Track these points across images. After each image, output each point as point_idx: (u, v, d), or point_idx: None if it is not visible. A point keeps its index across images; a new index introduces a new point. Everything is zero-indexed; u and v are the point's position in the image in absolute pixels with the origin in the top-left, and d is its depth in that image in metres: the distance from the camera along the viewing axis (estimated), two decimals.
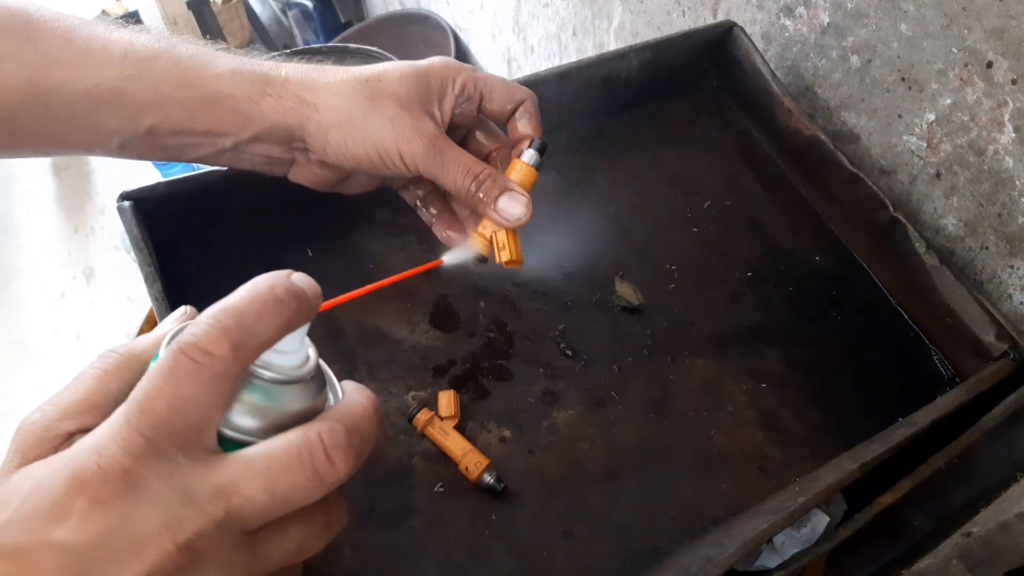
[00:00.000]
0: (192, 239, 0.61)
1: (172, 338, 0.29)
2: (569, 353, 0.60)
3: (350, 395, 0.32)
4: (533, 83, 0.68)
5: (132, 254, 0.53)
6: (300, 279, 0.30)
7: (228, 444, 0.28)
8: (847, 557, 0.62)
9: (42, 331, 1.90)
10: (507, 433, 0.56)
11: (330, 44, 1.50)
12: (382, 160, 0.49)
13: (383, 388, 0.57)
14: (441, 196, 0.58)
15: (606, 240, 0.67)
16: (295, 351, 0.30)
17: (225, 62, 0.48)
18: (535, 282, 0.64)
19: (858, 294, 0.66)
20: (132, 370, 0.30)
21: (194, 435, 0.27)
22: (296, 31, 2.34)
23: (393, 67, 0.50)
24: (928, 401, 0.54)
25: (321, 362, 0.32)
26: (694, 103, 0.78)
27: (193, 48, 0.48)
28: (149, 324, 0.72)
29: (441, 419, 0.55)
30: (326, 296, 0.32)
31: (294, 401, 0.30)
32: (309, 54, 1.47)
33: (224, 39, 1.99)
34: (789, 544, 0.52)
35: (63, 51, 0.45)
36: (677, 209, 0.70)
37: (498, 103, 0.53)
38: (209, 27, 1.94)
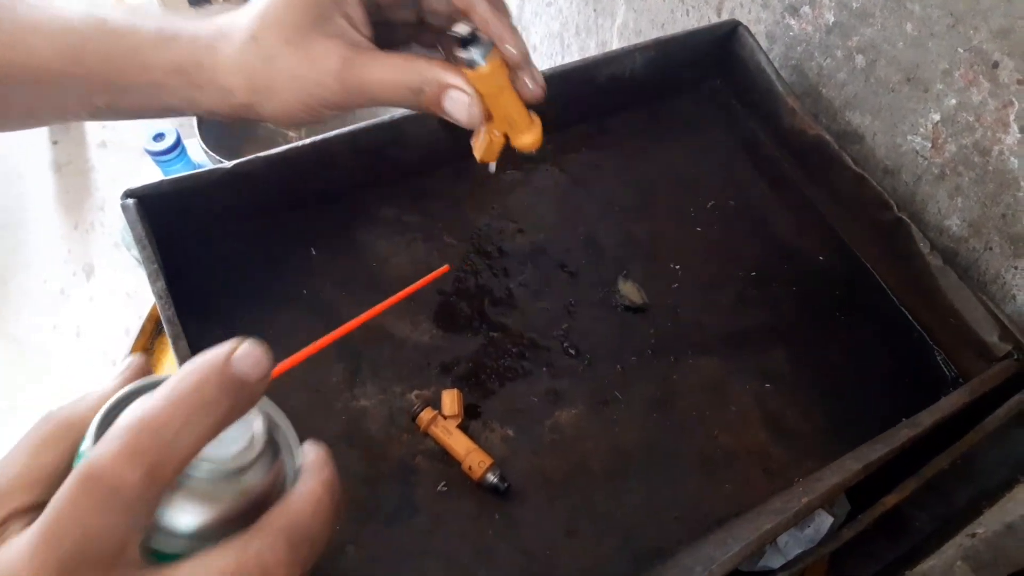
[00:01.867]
0: (196, 237, 0.61)
1: (107, 416, 0.26)
2: (572, 352, 0.60)
3: (302, 483, 0.27)
4: None
5: (133, 251, 0.53)
6: (242, 359, 0.26)
7: (160, 554, 0.25)
8: (849, 557, 0.62)
9: (42, 327, 1.89)
10: (510, 432, 0.56)
11: None
12: (310, 116, 0.41)
13: (387, 387, 0.57)
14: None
15: (610, 239, 0.67)
16: (235, 437, 0.26)
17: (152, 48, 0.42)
18: (538, 281, 0.64)
19: (862, 294, 0.66)
20: (69, 439, 0.27)
21: (112, 558, 0.23)
22: None
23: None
24: (932, 402, 0.54)
25: (274, 420, 0.28)
26: (698, 102, 0.78)
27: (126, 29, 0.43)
28: (152, 321, 0.72)
29: (444, 418, 0.54)
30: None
31: (237, 493, 0.26)
32: None
33: None
34: (793, 544, 0.52)
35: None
36: (681, 208, 0.70)
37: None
38: None
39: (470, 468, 0.52)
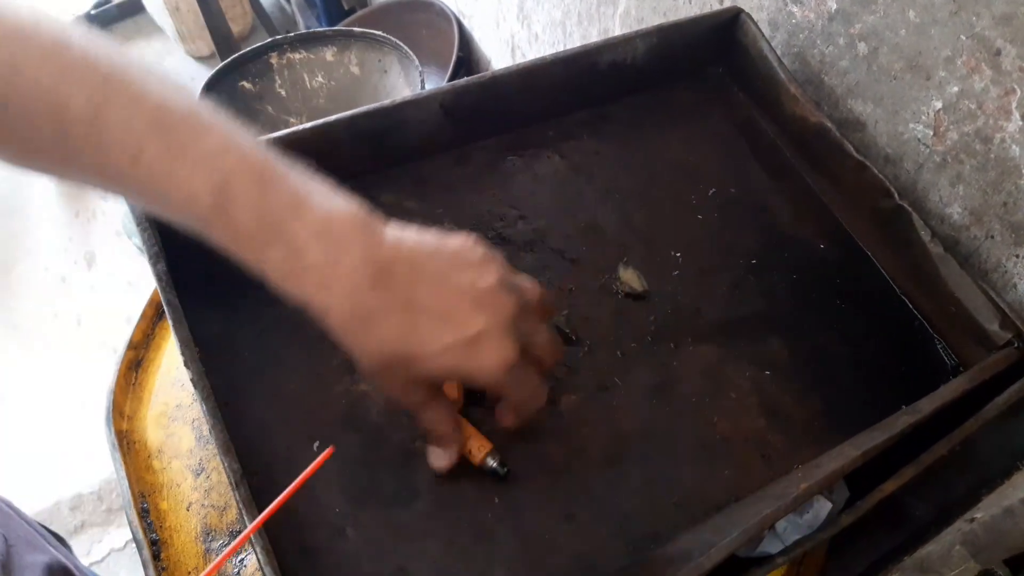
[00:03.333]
0: None
1: None
2: (572, 338, 0.60)
3: None
4: (538, 68, 0.68)
5: (134, 239, 0.53)
6: None
7: None
8: (848, 545, 0.62)
9: (43, 315, 1.90)
10: None
11: (335, 28, 1.49)
12: None
13: None
14: None
15: (610, 226, 0.67)
16: None
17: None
18: (538, 267, 0.64)
19: (862, 282, 0.66)
20: None
21: None
22: (299, 17, 2.33)
23: (434, 359, 0.43)
24: (931, 390, 0.54)
25: None
26: (700, 89, 0.77)
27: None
28: (152, 306, 0.72)
29: None
30: None
31: None
32: (314, 39, 1.46)
33: (227, 26, 1.98)
34: (791, 530, 0.52)
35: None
36: (682, 196, 0.70)
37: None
38: (212, 13, 1.93)
39: (470, 452, 0.52)
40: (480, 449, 0.52)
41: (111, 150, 0.38)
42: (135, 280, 1.92)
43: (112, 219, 2.00)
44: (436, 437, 0.50)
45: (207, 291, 0.57)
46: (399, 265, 0.42)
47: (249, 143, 0.41)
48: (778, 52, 0.72)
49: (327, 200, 0.42)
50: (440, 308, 0.43)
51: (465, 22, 1.71)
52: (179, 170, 0.38)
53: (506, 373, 0.44)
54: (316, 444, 0.52)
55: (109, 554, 1.56)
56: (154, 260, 0.51)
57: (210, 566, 0.39)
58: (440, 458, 0.51)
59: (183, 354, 0.49)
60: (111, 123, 0.37)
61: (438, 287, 0.43)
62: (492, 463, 0.52)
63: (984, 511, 0.50)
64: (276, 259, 0.40)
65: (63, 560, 0.67)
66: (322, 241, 0.40)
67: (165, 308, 0.50)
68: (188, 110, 0.39)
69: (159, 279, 0.50)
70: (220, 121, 0.41)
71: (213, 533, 0.60)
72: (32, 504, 1.56)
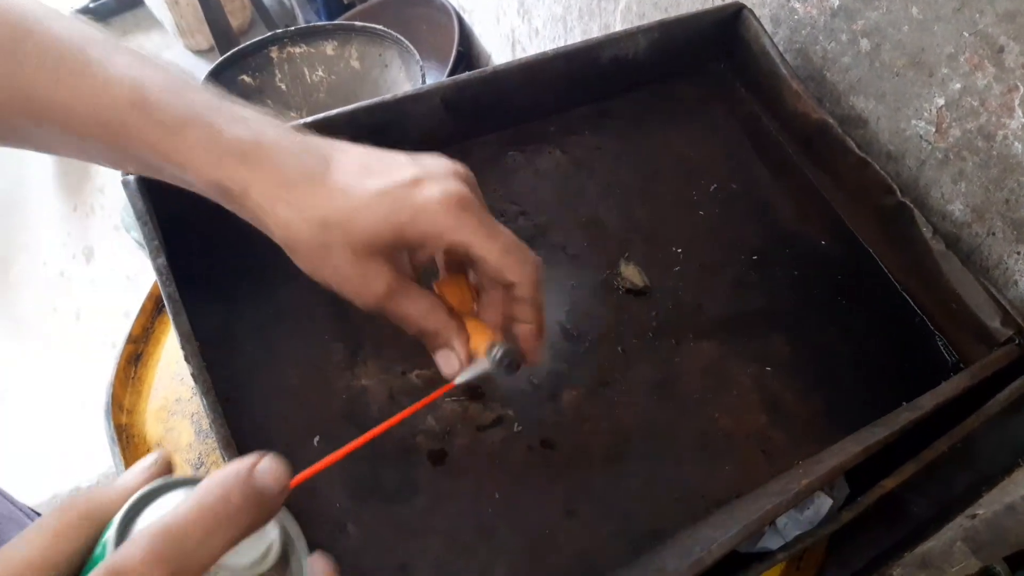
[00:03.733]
0: (198, 213, 0.60)
1: (129, 512, 0.26)
2: (573, 334, 0.60)
3: None
4: (539, 63, 0.68)
5: (133, 233, 0.53)
6: (265, 473, 0.27)
7: None
8: (848, 541, 0.62)
9: (42, 310, 1.89)
10: (510, 413, 0.56)
11: (335, 22, 1.49)
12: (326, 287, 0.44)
13: (388, 366, 0.57)
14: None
15: (611, 222, 0.67)
16: (252, 546, 0.27)
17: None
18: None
19: (864, 279, 0.66)
20: (90, 529, 0.28)
21: None
22: (298, 11, 2.32)
23: (367, 209, 0.40)
24: (932, 386, 0.54)
25: (288, 531, 0.29)
26: (701, 85, 0.77)
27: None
28: (152, 300, 0.72)
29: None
30: None
31: None
32: (314, 33, 1.45)
33: (227, 20, 1.98)
34: (792, 526, 0.52)
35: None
36: (683, 192, 0.70)
37: (487, 277, 0.44)
38: (211, 7, 1.92)
39: (475, 349, 0.45)
40: (479, 344, 0.44)
41: (33, 72, 0.38)
42: (134, 275, 1.91)
43: (110, 213, 1.99)
44: (427, 336, 0.44)
45: (207, 285, 0.57)
46: (323, 144, 0.42)
47: (162, 64, 0.42)
48: (780, 48, 0.72)
49: (244, 104, 0.42)
50: (369, 164, 0.41)
51: (465, 17, 1.71)
52: (95, 79, 0.39)
53: (459, 214, 0.40)
54: (316, 439, 0.52)
55: None
56: (154, 254, 0.51)
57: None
58: (446, 360, 0.44)
59: (184, 348, 0.48)
60: (32, 46, 0.39)
61: (366, 152, 0.42)
62: (494, 354, 0.43)
63: (985, 508, 0.50)
64: (196, 139, 0.39)
65: None
66: (242, 123, 0.40)
67: (166, 303, 0.50)
68: (106, 39, 0.41)
69: (160, 273, 0.50)
70: (136, 50, 0.42)
71: None
72: (29, 498, 1.55)
